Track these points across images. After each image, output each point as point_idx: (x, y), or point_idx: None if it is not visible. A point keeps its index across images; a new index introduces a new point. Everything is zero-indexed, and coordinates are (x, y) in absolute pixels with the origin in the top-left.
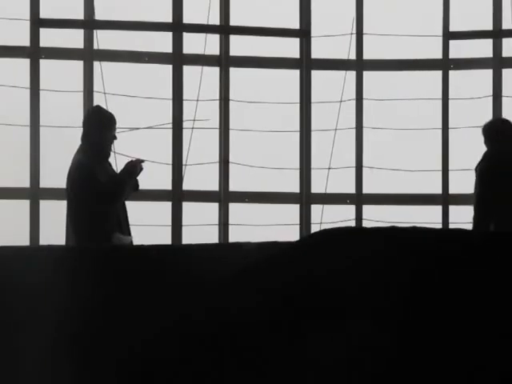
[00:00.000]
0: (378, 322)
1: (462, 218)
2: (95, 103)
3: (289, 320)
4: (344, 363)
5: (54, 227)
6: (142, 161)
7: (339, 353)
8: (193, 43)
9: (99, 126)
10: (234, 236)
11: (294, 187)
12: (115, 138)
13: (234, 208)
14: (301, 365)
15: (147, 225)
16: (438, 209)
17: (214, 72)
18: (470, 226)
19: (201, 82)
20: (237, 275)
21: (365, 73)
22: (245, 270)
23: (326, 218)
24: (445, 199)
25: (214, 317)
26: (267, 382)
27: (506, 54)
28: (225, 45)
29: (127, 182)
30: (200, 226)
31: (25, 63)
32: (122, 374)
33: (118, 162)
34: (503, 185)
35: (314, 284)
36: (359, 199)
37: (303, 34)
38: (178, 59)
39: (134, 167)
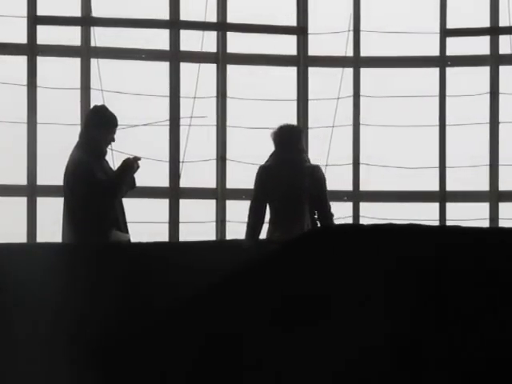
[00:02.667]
0: (377, 321)
1: (459, 214)
2: (92, 100)
3: (286, 320)
4: (341, 363)
5: (51, 224)
6: (139, 158)
7: (337, 352)
8: (190, 40)
9: (100, 126)
10: (231, 233)
11: None
12: (113, 140)
13: (231, 205)
14: (299, 364)
15: (145, 222)
16: (435, 206)
17: (211, 69)
18: (467, 223)
19: (198, 79)
20: (235, 274)
21: (362, 70)
22: (242, 269)
23: None
24: (442, 196)
25: (213, 316)
26: (265, 380)
27: (502, 51)
28: (222, 42)
29: (124, 179)
30: (197, 223)
31: (22, 60)
32: (119, 370)
33: (115, 159)
34: (265, 186)
35: (311, 282)
36: (356, 196)
37: (300, 31)
38: (175, 56)
39: (131, 165)
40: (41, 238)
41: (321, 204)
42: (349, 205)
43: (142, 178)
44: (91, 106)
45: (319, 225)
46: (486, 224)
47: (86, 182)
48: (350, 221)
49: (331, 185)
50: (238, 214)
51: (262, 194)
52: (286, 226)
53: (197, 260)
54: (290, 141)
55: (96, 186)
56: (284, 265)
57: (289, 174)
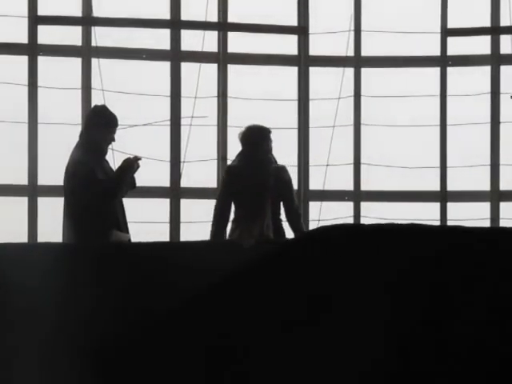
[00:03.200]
0: (378, 321)
1: (460, 214)
2: (93, 100)
3: (286, 320)
4: (341, 363)
5: (52, 224)
6: (139, 158)
7: (338, 353)
8: (191, 40)
9: (100, 126)
10: None
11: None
12: (113, 140)
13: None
14: (299, 365)
15: (145, 222)
16: (436, 205)
17: (211, 69)
18: (468, 223)
19: (199, 78)
20: (236, 274)
21: (363, 70)
22: (243, 269)
23: (324, 214)
24: (443, 196)
25: (213, 316)
26: (265, 381)
27: (503, 50)
28: (223, 42)
29: (124, 179)
30: (198, 222)
31: (23, 60)
32: (117, 370)
33: (115, 159)
34: (232, 185)
35: (311, 282)
36: (357, 196)
37: (301, 30)
38: (176, 56)
39: (131, 164)
40: (41, 238)
41: (288, 204)
42: (350, 204)
43: (142, 178)
44: (92, 106)
45: (286, 225)
46: (487, 224)
47: (87, 183)
48: (350, 221)
49: (333, 185)
50: None
51: (228, 193)
52: (246, 224)
53: (198, 260)
54: (257, 141)
55: (96, 186)
56: (285, 265)
57: (254, 174)
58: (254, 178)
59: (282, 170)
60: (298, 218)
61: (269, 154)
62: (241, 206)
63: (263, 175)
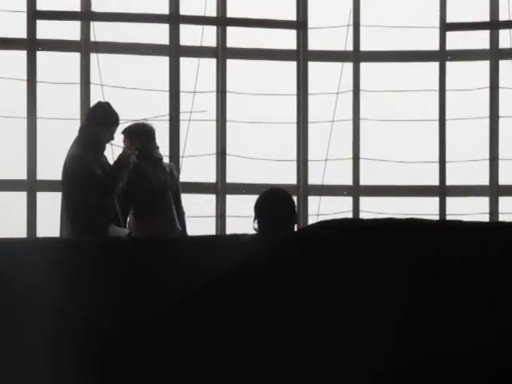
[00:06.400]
0: (378, 319)
1: (459, 209)
2: (92, 95)
3: (284, 318)
4: (343, 362)
5: (51, 219)
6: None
7: (339, 351)
8: (190, 35)
9: (100, 124)
10: (231, 228)
11: (291, 179)
12: (112, 138)
13: (231, 200)
14: (299, 364)
15: None
16: (435, 200)
17: (211, 64)
18: (467, 217)
19: (198, 73)
20: (235, 270)
21: (362, 64)
22: (242, 265)
23: (323, 209)
24: (442, 190)
25: (210, 311)
26: (265, 380)
27: (502, 45)
28: (222, 36)
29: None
30: (197, 217)
31: (22, 55)
32: (115, 366)
33: (114, 154)
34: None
35: (312, 277)
36: (356, 191)
37: (300, 25)
38: (174, 51)
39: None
40: (41, 232)
41: (177, 202)
42: (349, 199)
43: None
44: (91, 101)
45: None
46: (485, 218)
47: (85, 178)
48: (349, 215)
49: (331, 179)
50: (238, 208)
51: (128, 190)
52: (151, 220)
53: (197, 255)
54: (150, 139)
55: (94, 181)
56: (283, 260)
57: (154, 171)
58: (154, 174)
59: (175, 167)
60: (183, 215)
61: (159, 151)
62: (143, 202)
63: (160, 171)
